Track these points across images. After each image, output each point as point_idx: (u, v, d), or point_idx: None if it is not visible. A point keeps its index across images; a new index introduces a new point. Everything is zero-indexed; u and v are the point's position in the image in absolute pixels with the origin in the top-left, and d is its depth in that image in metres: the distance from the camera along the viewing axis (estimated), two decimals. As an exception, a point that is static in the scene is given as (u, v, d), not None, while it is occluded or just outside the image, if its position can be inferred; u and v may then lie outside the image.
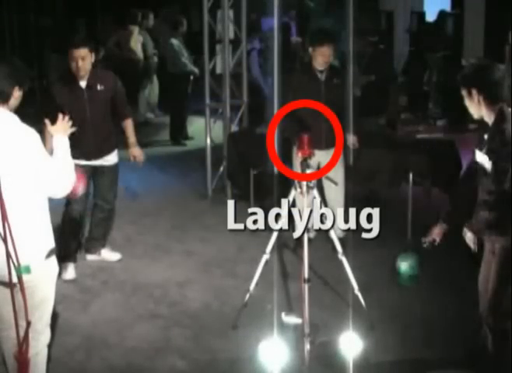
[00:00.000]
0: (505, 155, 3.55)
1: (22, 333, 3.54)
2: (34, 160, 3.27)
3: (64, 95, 5.42)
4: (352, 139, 5.95)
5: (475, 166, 3.83)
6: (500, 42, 9.81)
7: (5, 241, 2.62)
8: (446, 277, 5.50)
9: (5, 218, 2.57)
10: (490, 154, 3.64)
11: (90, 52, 5.35)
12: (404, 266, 5.55)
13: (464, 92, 3.71)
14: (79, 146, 5.41)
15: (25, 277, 3.01)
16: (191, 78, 10.36)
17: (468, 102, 3.73)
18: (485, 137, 3.73)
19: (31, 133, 3.33)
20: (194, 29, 11.47)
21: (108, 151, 5.65)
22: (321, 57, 5.79)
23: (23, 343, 2.68)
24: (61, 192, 3.47)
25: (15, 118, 3.35)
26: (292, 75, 6.31)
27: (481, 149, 3.74)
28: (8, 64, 3.43)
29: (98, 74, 5.54)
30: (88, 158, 5.49)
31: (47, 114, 5.02)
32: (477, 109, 3.70)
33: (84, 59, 5.32)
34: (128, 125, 5.82)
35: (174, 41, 10.19)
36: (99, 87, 5.50)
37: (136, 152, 5.86)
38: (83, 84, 5.44)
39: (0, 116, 3.30)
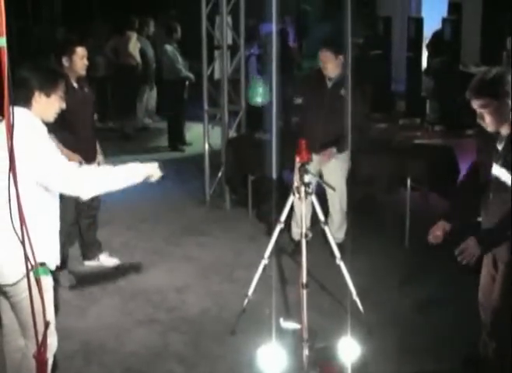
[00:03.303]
0: None
1: (22, 340, 3.55)
2: (45, 154, 3.20)
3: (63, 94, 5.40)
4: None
5: (489, 179, 3.64)
6: (497, 47, 9.85)
7: (23, 244, 2.60)
8: (444, 283, 5.50)
9: (23, 222, 2.56)
10: (509, 166, 3.49)
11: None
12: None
13: (479, 104, 3.47)
14: (81, 148, 5.44)
15: (23, 285, 2.98)
16: (187, 83, 10.40)
17: (483, 115, 3.49)
18: (499, 148, 3.57)
19: (43, 134, 3.26)
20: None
21: (96, 155, 5.66)
22: (322, 63, 5.85)
23: (42, 344, 2.67)
24: (75, 190, 3.35)
25: (36, 122, 3.29)
26: (305, 78, 6.37)
27: (496, 162, 3.57)
28: (31, 66, 3.40)
29: (83, 78, 5.59)
30: (88, 161, 5.50)
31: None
32: (494, 120, 3.47)
33: (86, 58, 5.43)
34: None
35: (169, 47, 10.23)
36: (86, 89, 5.57)
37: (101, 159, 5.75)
38: (75, 85, 5.47)
39: (19, 117, 3.24)
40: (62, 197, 5.37)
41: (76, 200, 5.61)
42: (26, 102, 3.29)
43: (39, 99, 3.34)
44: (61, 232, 5.43)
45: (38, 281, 2.66)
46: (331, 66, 5.84)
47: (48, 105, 3.39)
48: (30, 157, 3.17)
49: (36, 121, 3.32)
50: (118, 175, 3.40)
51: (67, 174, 3.29)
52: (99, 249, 6.02)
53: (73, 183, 3.31)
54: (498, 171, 3.60)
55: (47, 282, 3.52)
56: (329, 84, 5.91)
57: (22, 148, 3.11)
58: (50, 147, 3.28)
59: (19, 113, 3.21)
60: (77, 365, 4.47)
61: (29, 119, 3.29)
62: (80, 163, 5.37)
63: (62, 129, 5.37)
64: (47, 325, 2.68)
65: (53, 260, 3.47)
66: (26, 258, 2.58)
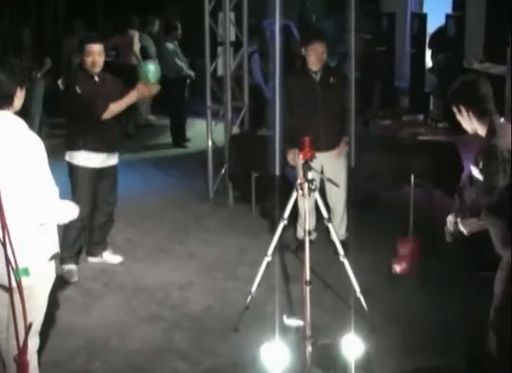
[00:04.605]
0: (493, 172, 3.55)
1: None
2: (31, 167, 3.24)
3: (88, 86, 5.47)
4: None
5: (472, 181, 3.81)
6: (502, 44, 9.81)
7: (4, 246, 2.61)
8: (447, 280, 5.49)
9: (4, 224, 2.57)
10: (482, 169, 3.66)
11: (104, 50, 5.50)
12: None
13: (454, 109, 3.75)
14: (104, 137, 5.45)
15: (25, 282, 2.99)
16: (188, 81, 10.39)
17: (459, 119, 3.77)
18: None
19: (34, 140, 3.30)
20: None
21: (116, 149, 5.70)
22: (313, 55, 5.76)
23: (24, 346, 2.67)
24: (42, 214, 3.35)
25: (22, 123, 3.33)
26: (289, 77, 6.32)
27: (477, 165, 3.73)
28: (6, 66, 3.43)
29: (104, 75, 5.62)
30: (109, 151, 5.56)
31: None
32: (469, 124, 3.74)
33: (99, 55, 5.44)
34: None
35: (169, 45, 10.22)
36: (109, 81, 5.63)
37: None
38: (96, 78, 5.53)
39: (5, 120, 3.29)
40: (75, 193, 5.40)
41: (93, 197, 5.63)
42: (8, 102, 3.33)
43: (19, 95, 3.42)
44: (72, 228, 5.48)
45: (19, 284, 2.66)
46: (324, 58, 5.81)
47: (23, 95, 3.46)
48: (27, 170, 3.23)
49: (19, 126, 3.34)
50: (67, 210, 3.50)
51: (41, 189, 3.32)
52: (103, 247, 6.02)
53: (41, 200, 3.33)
54: (476, 173, 3.75)
55: (50, 276, 3.52)
56: (317, 77, 5.87)
57: (22, 160, 3.19)
58: (43, 162, 3.32)
59: (4, 117, 3.26)
60: (80, 362, 4.47)
61: (17, 126, 3.31)
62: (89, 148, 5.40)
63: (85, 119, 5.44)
64: (29, 327, 2.67)
65: (51, 252, 3.47)
66: (8, 260, 2.58)
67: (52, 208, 3.35)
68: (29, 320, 3.28)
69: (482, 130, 3.72)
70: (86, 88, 5.40)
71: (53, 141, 5.38)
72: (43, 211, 3.32)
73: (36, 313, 3.48)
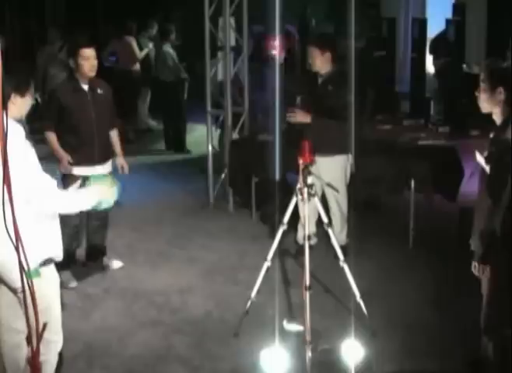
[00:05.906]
0: (503, 167, 3.47)
1: (20, 339, 3.53)
2: (21, 160, 3.18)
3: (68, 95, 5.47)
4: None
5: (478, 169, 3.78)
6: (502, 48, 9.83)
7: (17, 249, 2.60)
8: (447, 283, 5.49)
9: (16, 230, 2.56)
10: (488, 159, 3.59)
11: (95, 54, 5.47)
12: None
13: (485, 86, 3.59)
14: (83, 149, 5.43)
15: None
16: (186, 85, 10.46)
17: (482, 95, 3.61)
18: (491, 135, 3.67)
19: (14, 130, 3.22)
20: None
21: (108, 158, 5.65)
22: (310, 59, 5.91)
23: (37, 348, 2.66)
24: (42, 204, 3.35)
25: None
26: (300, 80, 6.36)
27: (481, 151, 3.67)
28: (7, 67, 3.41)
29: (96, 79, 5.59)
30: (91, 163, 5.46)
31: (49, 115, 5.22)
32: (490, 104, 3.60)
33: (95, 58, 5.43)
34: (115, 135, 5.83)
35: (168, 49, 10.26)
36: (99, 91, 5.55)
37: (123, 162, 5.87)
38: (85, 87, 5.49)
39: None
40: None
41: None
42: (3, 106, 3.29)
43: (14, 101, 3.38)
44: (64, 234, 5.44)
45: (30, 286, 2.65)
46: (318, 62, 5.86)
47: (23, 104, 3.43)
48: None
49: (16, 130, 3.29)
50: (77, 199, 3.53)
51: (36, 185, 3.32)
52: (103, 253, 6.01)
53: (41, 195, 3.34)
54: (480, 159, 3.69)
55: (53, 278, 3.51)
56: (319, 80, 5.92)
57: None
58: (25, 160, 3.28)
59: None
60: (80, 367, 4.46)
61: (11, 128, 3.29)
62: (69, 163, 5.39)
63: (62, 129, 5.45)
64: (43, 329, 2.66)
65: (55, 254, 3.46)
66: (20, 262, 2.58)
67: (58, 197, 3.38)
68: (46, 320, 3.29)
69: (498, 117, 3.60)
70: (68, 101, 5.43)
71: (46, 148, 5.39)
72: (49, 202, 3.34)
73: (51, 314, 3.49)
